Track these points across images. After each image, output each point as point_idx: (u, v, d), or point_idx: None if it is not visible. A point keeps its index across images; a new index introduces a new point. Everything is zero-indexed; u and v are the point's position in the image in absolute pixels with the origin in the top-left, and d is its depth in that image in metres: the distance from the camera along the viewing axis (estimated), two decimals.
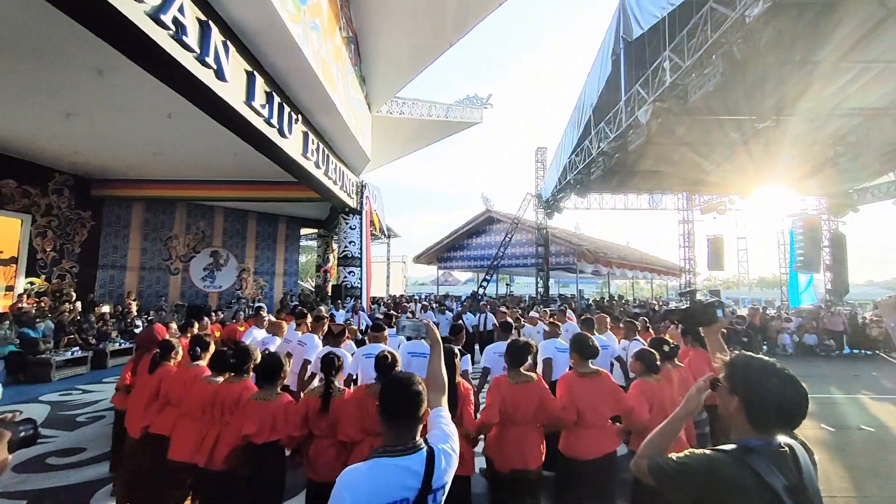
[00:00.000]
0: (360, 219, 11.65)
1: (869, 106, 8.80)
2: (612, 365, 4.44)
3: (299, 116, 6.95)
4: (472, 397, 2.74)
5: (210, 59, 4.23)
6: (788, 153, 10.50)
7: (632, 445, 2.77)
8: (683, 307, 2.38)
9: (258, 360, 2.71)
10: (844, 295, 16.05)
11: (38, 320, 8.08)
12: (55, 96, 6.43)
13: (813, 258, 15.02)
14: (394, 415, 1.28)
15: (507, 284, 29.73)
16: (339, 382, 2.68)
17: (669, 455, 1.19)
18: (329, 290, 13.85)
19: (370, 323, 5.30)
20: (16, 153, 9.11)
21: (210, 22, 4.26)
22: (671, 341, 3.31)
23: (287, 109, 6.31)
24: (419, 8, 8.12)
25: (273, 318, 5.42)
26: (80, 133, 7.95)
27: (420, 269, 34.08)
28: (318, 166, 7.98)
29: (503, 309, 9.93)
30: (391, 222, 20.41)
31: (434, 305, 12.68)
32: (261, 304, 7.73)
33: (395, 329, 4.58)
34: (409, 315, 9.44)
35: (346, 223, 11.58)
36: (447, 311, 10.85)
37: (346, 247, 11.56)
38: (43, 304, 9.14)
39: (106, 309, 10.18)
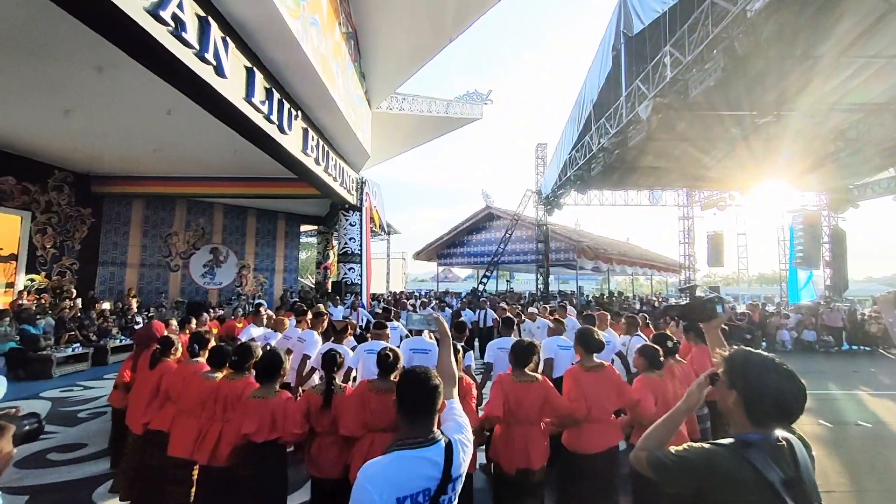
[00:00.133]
0: (360, 215, 11.65)
1: (870, 101, 8.78)
2: (612, 360, 4.45)
3: (299, 113, 6.93)
4: (474, 392, 2.76)
5: (209, 56, 4.22)
6: (789, 148, 10.49)
7: (633, 440, 2.78)
8: (683, 303, 2.37)
9: (258, 356, 2.72)
10: (844, 291, 16.03)
11: (38, 317, 8.09)
12: (55, 93, 6.41)
13: (812, 254, 15.01)
14: (413, 409, 1.31)
15: (507, 281, 29.70)
16: (339, 379, 2.70)
17: (669, 448, 1.20)
18: (329, 286, 13.87)
19: (370, 319, 5.31)
20: (15, 150, 9.10)
21: (209, 18, 4.24)
22: (673, 337, 3.32)
23: (287, 106, 6.29)
24: (419, 3, 8.08)
25: (273, 315, 5.43)
26: (79, 130, 7.94)
27: (420, 265, 34.20)
28: (317, 163, 7.97)
29: (503, 305, 9.94)
30: (391, 219, 20.44)
31: (434, 302, 12.70)
32: (261, 301, 7.75)
33: (397, 322, 4.56)
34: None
35: (346, 220, 11.59)
36: (447, 308, 10.86)
37: (346, 243, 11.57)
38: (43, 301, 9.15)
39: (106, 305, 10.21)
